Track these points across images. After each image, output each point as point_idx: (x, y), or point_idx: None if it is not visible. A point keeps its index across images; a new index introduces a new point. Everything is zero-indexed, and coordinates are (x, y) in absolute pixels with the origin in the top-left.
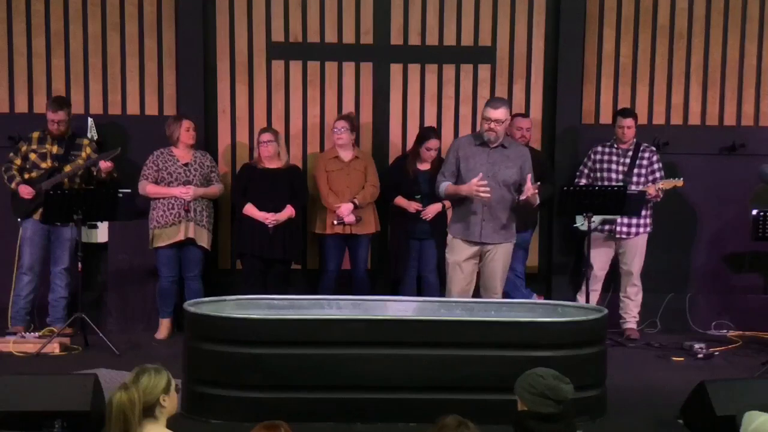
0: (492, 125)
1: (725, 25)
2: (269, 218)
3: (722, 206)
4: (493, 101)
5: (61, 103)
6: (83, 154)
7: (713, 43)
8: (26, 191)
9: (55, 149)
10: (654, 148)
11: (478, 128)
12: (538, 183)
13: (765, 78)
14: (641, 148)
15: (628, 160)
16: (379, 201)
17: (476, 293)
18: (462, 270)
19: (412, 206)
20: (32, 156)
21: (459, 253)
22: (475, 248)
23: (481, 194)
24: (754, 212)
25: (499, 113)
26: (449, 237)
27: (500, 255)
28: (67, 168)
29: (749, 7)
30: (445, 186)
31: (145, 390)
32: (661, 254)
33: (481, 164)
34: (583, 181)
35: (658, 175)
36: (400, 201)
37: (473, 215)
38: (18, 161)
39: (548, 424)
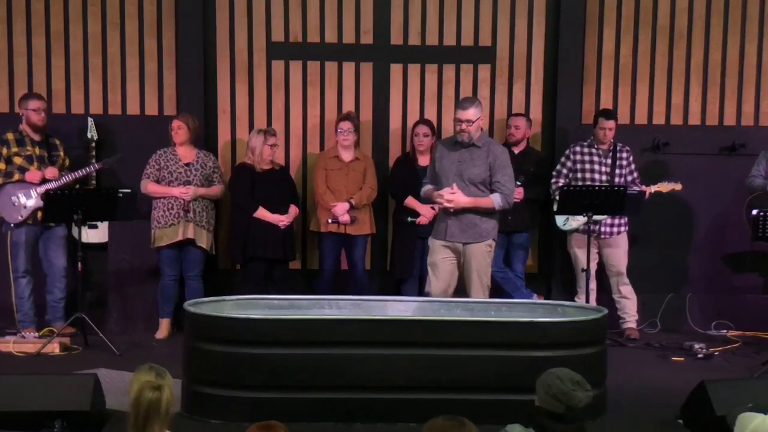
0: (463, 126)
1: (725, 25)
2: (284, 220)
3: (722, 206)
4: (462, 102)
5: (36, 94)
6: (61, 153)
7: (713, 43)
8: (35, 177)
9: (37, 151)
10: (629, 148)
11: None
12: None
13: (765, 78)
14: (618, 148)
15: (609, 161)
16: (376, 203)
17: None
18: (438, 270)
19: (424, 208)
20: (18, 160)
21: (434, 253)
22: (448, 248)
23: (444, 204)
24: (754, 212)
25: (469, 114)
26: (429, 238)
27: (472, 257)
28: (77, 173)
29: (749, 7)
30: (424, 189)
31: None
32: (661, 254)
33: (452, 163)
34: (562, 181)
35: (636, 174)
36: (411, 202)
37: (443, 214)
38: (2, 166)
39: (560, 423)
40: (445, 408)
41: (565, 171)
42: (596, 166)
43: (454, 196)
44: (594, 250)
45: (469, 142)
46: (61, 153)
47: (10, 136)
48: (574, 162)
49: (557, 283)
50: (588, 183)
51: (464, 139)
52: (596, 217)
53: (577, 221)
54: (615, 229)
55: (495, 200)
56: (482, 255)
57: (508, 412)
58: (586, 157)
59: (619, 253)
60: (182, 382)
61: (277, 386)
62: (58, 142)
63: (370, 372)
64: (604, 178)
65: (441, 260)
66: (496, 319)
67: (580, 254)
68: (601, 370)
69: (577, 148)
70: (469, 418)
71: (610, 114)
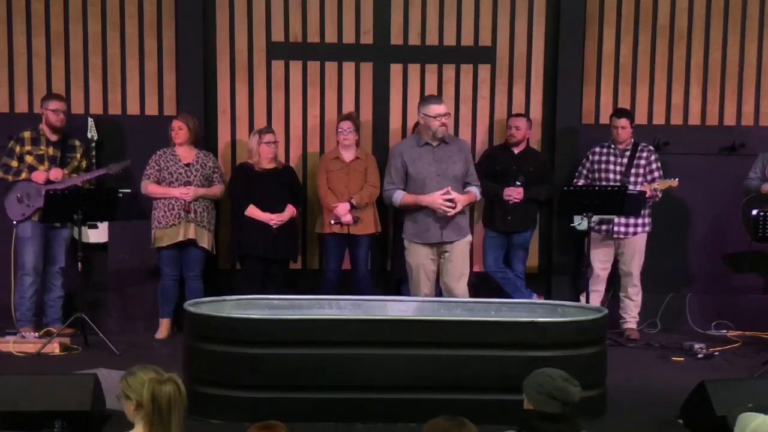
0: (443, 119)
1: (725, 25)
2: (274, 219)
3: (722, 206)
4: (434, 97)
5: (57, 95)
6: (78, 156)
7: (713, 43)
8: (40, 177)
9: (51, 151)
10: (652, 148)
11: (425, 128)
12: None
13: (765, 78)
14: (639, 148)
15: (625, 160)
16: (377, 202)
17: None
18: (427, 272)
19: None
20: (29, 158)
21: (419, 255)
22: (434, 249)
23: (446, 208)
24: (754, 212)
25: (445, 107)
26: (406, 241)
27: (457, 254)
28: (82, 177)
29: (749, 7)
30: (400, 196)
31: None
32: (661, 254)
33: (429, 164)
34: (582, 182)
35: (656, 174)
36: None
37: (431, 216)
38: (14, 163)
39: (554, 423)
40: (445, 408)
41: (585, 172)
42: (611, 166)
43: (458, 201)
44: (611, 250)
45: (439, 141)
46: (77, 155)
47: (26, 134)
48: (592, 162)
49: (557, 283)
50: (603, 183)
51: (444, 134)
52: (606, 218)
53: (592, 221)
54: (632, 230)
55: (477, 193)
56: (466, 251)
57: (508, 412)
58: (603, 158)
59: (632, 254)
60: (182, 381)
61: (277, 386)
62: (77, 144)
63: (370, 372)
64: (618, 177)
65: (429, 261)
66: (496, 319)
67: (595, 254)
68: (601, 370)
69: (597, 149)
70: (469, 418)
71: (621, 112)
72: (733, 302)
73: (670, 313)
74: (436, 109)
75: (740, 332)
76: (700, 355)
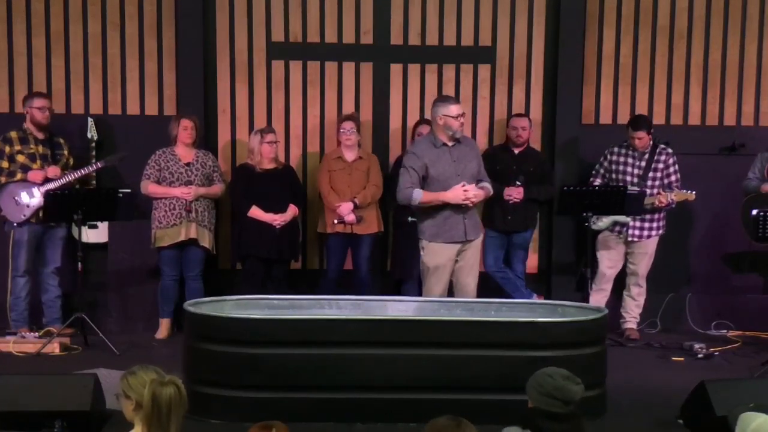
0: (461, 119)
1: (725, 25)
2: (278, 220)
3: (722, 206)
4: (451, 98)
5: (40, 92)
6: (65, 152)
7: (713, 43)
8: (37, 176)
9: (41, 149)
10: (670, 150)
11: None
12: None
13: (765, 78)
14: (657, 150)
15: (643, 163)
16: (382, 201)
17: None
18: (444, 273)
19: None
20: (20, 158)
21: (441, 256)
22: (455, 248)
23: (471, 200)
24: (754, 212)
25: (461, 107)
26: (424, 242)
27: (473, 252)
28: (79, 172)
29: (749, 7)
30: (420, 194)
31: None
32: (662, 254)
33: (449, 164)
34: (598, 181)
35: (673, 179)
36: None
37: (454, 215)
38: (5, 164)
39: (557, 423)
40: (445, 408)
41: (602, 171)
42: (629, 168)
43: (477, 196)
44: (622, 251)
45: (454, 140)
46: (65, 152)
47: (13, 134)
48: (610, 163)
49: (557, 283)
50: (620, 184)
51: (461, 133)
52: (621, 220)
53: (604, 222)
54: (646, 233)
55: (490, 188)
56: (479, 248)
57: (508, 412)
58: (621, 158)
59: (641, 257)
60: (182, 382)
61: (277, 386)
62: (62, 141)
63: (370, 372)
64: (635, 180)
65: (449, 262)
66: (496, 319)
67: (607, 255)
68: (601, 370)
69: (615, 149)
70: (469, 418)
71: (637, 125)
72: (733, 302)
73: (670, 313)
74: (456, 109)
75: (740, 332)
76: (700, 355)
